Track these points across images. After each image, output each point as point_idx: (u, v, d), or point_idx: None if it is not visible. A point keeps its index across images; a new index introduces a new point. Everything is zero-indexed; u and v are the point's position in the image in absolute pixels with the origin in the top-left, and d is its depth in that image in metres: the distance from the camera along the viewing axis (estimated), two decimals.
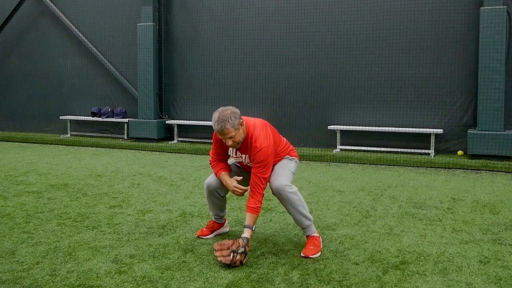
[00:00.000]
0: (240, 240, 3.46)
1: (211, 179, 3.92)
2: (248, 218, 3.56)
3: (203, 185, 6.19)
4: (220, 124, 3.46)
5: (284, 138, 4.04)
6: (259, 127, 3.68)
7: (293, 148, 4.07)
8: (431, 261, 3.54)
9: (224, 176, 3.80)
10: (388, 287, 3.10)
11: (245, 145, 3.69)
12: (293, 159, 3.96)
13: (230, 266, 3.40)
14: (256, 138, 3.61)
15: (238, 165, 4.02)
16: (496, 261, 3.55)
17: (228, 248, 3.41)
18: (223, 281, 3.16)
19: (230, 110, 3.52)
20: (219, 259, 3.39)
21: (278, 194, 3.66)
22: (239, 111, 3.57)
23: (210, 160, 3.96)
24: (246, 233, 3.52)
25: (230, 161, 4.04)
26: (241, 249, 3.40)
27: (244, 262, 3.43)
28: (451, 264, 3.50)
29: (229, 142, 3.56)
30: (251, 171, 3.65)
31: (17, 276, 3.24)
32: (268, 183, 3.69)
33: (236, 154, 3.81)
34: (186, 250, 3.75)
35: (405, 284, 3.15)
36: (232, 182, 3.75)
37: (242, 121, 3.58)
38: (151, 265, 3.45)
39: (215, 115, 3.51)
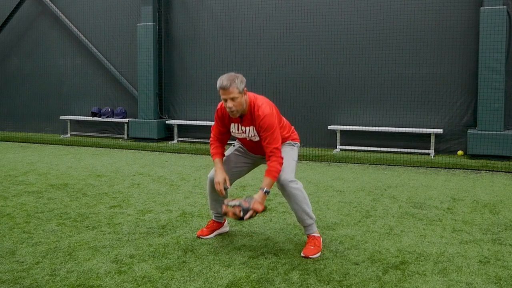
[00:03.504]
0: (244, 197, 3.59)
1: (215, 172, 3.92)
2: (263, 181, 3.59)
3: (204, 183, 6.21)
4: (227, 82, 3.52)
5: (284, 118, 4.02)
6: (261, 98, 3.74)
7: (294, 129, 4.05)
8: (431, 261, 3.54)
9: (218, 163, 3.82)
10: (388, 287, 3.10)
11: (248, 117, 3.69)
12: (295, 144, 3.96)
13: (229, 216, 3.59)
14: (259, 106, 3.64)
15: (241, 149, 3.98)
16: (496, 261, 3.55)
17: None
18: (223, 281, 3.17)
19: (238, 74, 3.61)
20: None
21: (282, 189, 3.68)
22: (245, 79, 3.65)
23: (211, 138, 3.96)
24: (257, 194, 3.58)
25: (230, 151, 4.00)
26: (235, 202, 3.53)
27: (245, 218, 3.52)
28: (451, 264, 3.50)
29: (230, 104, 3.55)
30: (262, 144, 3.64)
31: (17, 276, 3.24)
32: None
33: (238, 130, 3.79)
34: (186, 250, 3.75)
35: (405, 284, 3.15)
36: (221, 175, 3.74)
37: (246, 90, 3.63)
38: (151, 265, 3.45)
39: (222, 76, 3.59)
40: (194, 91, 10.86)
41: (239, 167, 3.98)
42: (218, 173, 3.76)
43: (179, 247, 3.82)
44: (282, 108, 9.90)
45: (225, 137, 3.93)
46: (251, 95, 3.71)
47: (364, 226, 4.44)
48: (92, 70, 11.89)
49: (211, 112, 11.28)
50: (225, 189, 3.91)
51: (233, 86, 3.52)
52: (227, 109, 3.61)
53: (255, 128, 3.68)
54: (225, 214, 3.57)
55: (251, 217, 3.55)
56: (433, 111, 8.95)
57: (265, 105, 3.65)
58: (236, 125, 3.79)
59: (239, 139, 3.95)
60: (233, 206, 3.53)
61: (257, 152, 3.93)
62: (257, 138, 3.73)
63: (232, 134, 3.90)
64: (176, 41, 11.03)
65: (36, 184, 6.21)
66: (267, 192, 3.59)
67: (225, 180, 3.74)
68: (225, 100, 3.57)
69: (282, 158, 3.61)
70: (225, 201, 3.61)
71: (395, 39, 9.09)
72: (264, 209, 3.61)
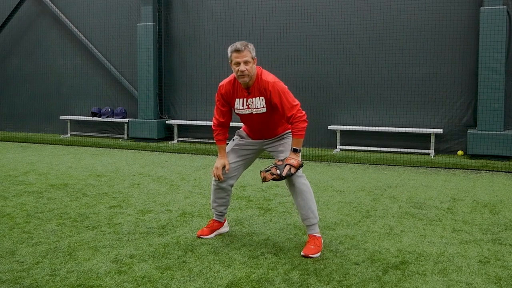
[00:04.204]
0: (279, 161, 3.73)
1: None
2: (292, 143, 3.70)
3: (204, 183, 6.21)
4: (242, 45, 3.62)
5: None
6: (267, 71, 3.80)
7: None
8: (431, 261, 3.54)
9: (221, 149, 3.92)
10: (388, 287, 3.10)
11: (255, 87, 3.70)
12: None
13: (269, 180, 3.72)
14: (266, 75, 3.72)
15: (242, 141, 3.98)
16: (496, 261, 3.55)
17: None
18: (223, 281, 3.17)
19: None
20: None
21: (290, 183, 3.71)
22: None
23: (213, 124, 4.00)
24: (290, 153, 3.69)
25: (229, 147, 4.00)
26: (269, 167, 3.70)
27: (283, 174, 3.61)
28: (451, 264, 3.50)
29: (243, 68, 3.58)
30: (280, 110, 3.67)
31: (17, 276, 3.24)
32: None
33: (243, 105, 3.79)
34: (186, 250, 3.75)
35: (405, 284, 3.15)
36: (221, 161, 3.86)
37: (256, 59, 3.70)
38: (151, 265, 3.45)
39: (235, 42, 3.68)
40: (194, 91, 10.86)
41: (241, 160, 3.98)
42: (219, 159, 3.88)
43: (179, 247, 3.82)
44: None
45: (226, 119, 3.95)
46: (258, 67, 3.76)
47: (364, 226, 4.44)
48: (92, 70, 11.89)
49: (211, 112, 11.25)
50: (231, 185, 3.98)
51: (247, 50, 3.61)
52: (238, 74, 3.62)
53: (265, 98, 3.69)
54: (264, 179, 3.69)
55: (289, 173, 3.62)
56: (433, 111, 8.95)
57: (271, 76, 3.74)
58: (242, 100, 3.78)
59: (243, 118, 3.90)
60: (269, 169, 3.67)
61: (260, 134, 3.91)
62: (264, 110, 3.73)
63: (236, 111, 3.87)
64: (176, 41, 11.03)
65: (36, 184, 6.21)
66: (296, 150, 3.67)
67: (224, 166, 3.86)
68: (238, 64, 3.60)
69: (304, 115, 3.67)
70: (260, 170, 3.78)
71: (395, 39, 9.09)
72: (301, 164, 3.67)
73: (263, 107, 3.72)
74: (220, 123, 3.95)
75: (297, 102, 3.70)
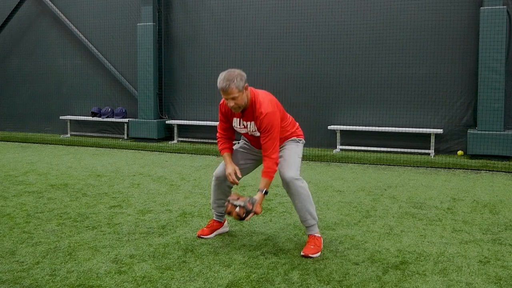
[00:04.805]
0: (247, 198, 3.58)
1: (221, 169, 3.92)
2: (261, 182, 3.63)
3: (204, 183, 6.22)
4: (226, 83, 3.50)
5: (289, 115, 4.04)
6: (263, 94, 3.74)
7: (299, 125, 4.06)
8: (431, 261, 3.54)
9: (227, 157, 3.84)
10: (388, 287, 3.10)
11: (249, 112, 3.69)
12: (300, 140, 3.97)
13: (232, 216, 3.59)
14: (261, 103, 3.64)
15: (247, 145, 3.99)
16: (496, 261, 3.56)
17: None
18: (223, 281, 3.17)
19: (237, 71, 3.57)
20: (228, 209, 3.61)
21: (287, 186, 3.69)
22: (245, 75, 3.59)
23: (217, 135, 3.99)
24: (257, 195, 3.59)
25: (235, 148, 4.01)
26: (239, 203, 3.53)
27: (246, 219, 3.55)
28: (451, 264, 3.50)
29: (231, 103, 3.55)
30: (261, 142, 3.65)
31: (17, 276, 3.24)
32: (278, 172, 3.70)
33: (240, 125, 3.79)
34: (186, 250, 3.75)
35: (405, 284, 3.15)
36: (231, 167, 3.77)
37: (247, 86, 3.60)
38: (151, 265, 3.45)
39: (222, 74, 3.56)
40: (194, 91, 10.86)
41: (245, 163, 3.98)
42: (228, 166, 3.80)
43: (179, 247, 3.82)
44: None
45: (230, 133, 3.94)
46: (252, 90, 3.71)
47: (364, 226, 4.44)
48: (92, 70, 11.89)
49: (211, 112, 11.30)
50: (231, 187, 3.96)
51: (231, 87, 3.50)
52: (229, 106, 3.62)
53: (255, 124, 3.68)
54: (229, 213, 3.60)
55: (249, 217, 3.60)
56: (433, 111, 8.95)
57: (267, 103, 3.65)
58: (238, 120, 3.79)
59: (242, 133, 3.94)
60: (237, 207, 3.56)
61: (260, 147, 3.92)
62: (258, 134, 3.73)
63: (234, 128, 3.89)
64: (176, 41, 11.03)
65: (36, 184, 6.21)
66: (266, 193, 3.63)
67: (235, 171, 3.77)
68: (226, 99, 3.58)
69: (277, 158, 3.64)
70: (230, 199, 3.63)
71: (395, 39, 9.09)
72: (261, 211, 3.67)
73: (256, 130, 3.72)
74: (224, 135, 3.95)
75: (277, 143, 3.64)
